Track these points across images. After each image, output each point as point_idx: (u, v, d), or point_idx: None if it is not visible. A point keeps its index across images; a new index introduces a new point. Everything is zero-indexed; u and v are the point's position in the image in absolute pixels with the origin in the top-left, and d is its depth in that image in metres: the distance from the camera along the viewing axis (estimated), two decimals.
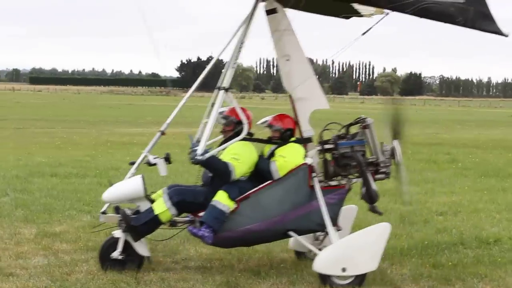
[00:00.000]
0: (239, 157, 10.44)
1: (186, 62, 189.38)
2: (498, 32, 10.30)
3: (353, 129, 10.89)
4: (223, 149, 10.55)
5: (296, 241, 11.11)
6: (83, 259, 11.23)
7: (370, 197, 10.56)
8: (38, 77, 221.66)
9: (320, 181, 10.52)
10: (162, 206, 10.40)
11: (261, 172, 10.58)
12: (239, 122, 10.63)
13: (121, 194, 10.66)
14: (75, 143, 30.59)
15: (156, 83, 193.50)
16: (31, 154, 25.69)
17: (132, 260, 10.52)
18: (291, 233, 10.49)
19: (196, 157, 10.17)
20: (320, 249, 10.54)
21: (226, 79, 10.72)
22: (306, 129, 10.70)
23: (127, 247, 10.52)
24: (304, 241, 10.75)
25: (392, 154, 10.78)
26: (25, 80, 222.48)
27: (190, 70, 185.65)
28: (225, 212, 10.24)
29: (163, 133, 11.12)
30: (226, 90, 10.59)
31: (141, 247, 10.60)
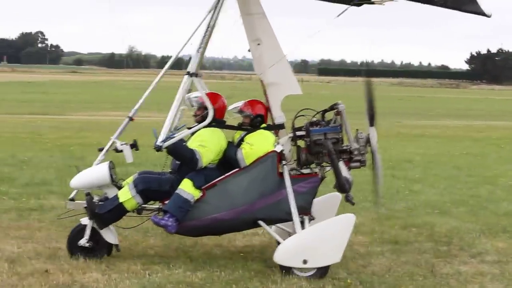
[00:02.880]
0: (206, 144, 10.20)
1: (476, 55, 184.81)
2: (480, 12, 9.89)
3: (330, 116, 10.55)
4: (191, 135, 10.38)
5: None
6: (378, 251, 11.28)
7: (340, 186, 10.18)
8: (327, 68, 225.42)
9: (292, 169, 10.32)
10: (127, 194, 10.23)
11: (228, 159, 10.36)
12: (207, 108, 10.42)
13: (88, 180, 10.47)
14: None
15: (446, 75, 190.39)
16: None
17: (100, 247, 10.36)
18: (260, 222, 10.19)
19: (156, 144, 9.98)
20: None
21: (192, 64, 10.52)
22: (278, 115, 10.39)
23: (95, 234, 10.36)
24: (270, 231, 10.38)
25: (368, 141, 10.36)
26: (314, 71, 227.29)
27: (479, 62, 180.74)
28: (189, 201, 10.03)
29: (131, 119, 10.81)
30: (192, 75, 10.42)
31: (109, 235, 10.41)
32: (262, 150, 10.21)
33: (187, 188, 10.03)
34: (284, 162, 10.17)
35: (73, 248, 10.34)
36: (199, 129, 10.30)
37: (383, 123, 38.58)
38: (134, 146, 10.44)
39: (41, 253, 10.59)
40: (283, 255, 9.80)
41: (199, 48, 10.55)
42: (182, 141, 10.29)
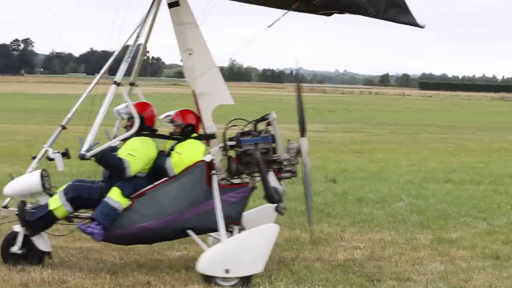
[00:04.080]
0: (135, 153, 10.19)
1: None
2: (413, 23, 9.83)
3: (263, 126, 10.55)
4: (116, 144, 10.50)
5: None
6: (479, 266, 11.18)
7: (268, 196, 10.12)
8: (428, 83, 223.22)
9: (223, 179, 10.27)
10: (57, 202, 10.23)
11: (158, 169, 10.37)
12: (140, 117, 10.39)
13: (20, 188, 10.51)
14: (468, 150, 30.51)
15: None
16: (424, 159, 26.01)
17: (32, 255, 10.39)
18: (189, 231, 10.20)
19: (80, 153, 9.95)
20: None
21: (119, 73, 10.51)
22: (209, 125, 10.39)
23: (28, 241, 10.37)
24: (199, 240, 10.31)
25: (299, 152, 10.30)
26: (415, 85, 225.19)
27: None
28: (117, 209, 10.03)
29: (64, 127, 10.85)
30: (118, 84, 10.39)
31: (41, 242, 10.42)
32: (191, 160, 10.25)
33: (115, 196, 10.07)
34: (213, 172, 10.18)
35: (6, 255, 10.44)
36: (126, 138, 10.40)
37: (485, 137, 38.12)
38: (65, 154, 10.47)
39: (143, 264, 10.79)
40: (205, 264, 9.79)
41: (127, 57, 10.61)
42: (113, 150, 10.43)
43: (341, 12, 10.65)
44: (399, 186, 19.02)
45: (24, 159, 22.19)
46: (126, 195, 10.09)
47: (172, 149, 10.52)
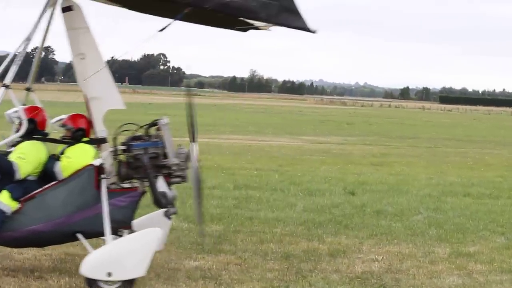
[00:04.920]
0: (25, 156, 10.21)
1: None
2: (305, 28, 9.74)
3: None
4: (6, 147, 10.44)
5: None
6: (497, 280, 11.24)
7: (156, 201, 10.17)
8: (448, 97, 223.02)
9: (113, 183, 10.25)
10: None
11: (48, 172, 10.38)
12: (29, 120, 10.39)
13: None
14: (487, 164, 30.48)
15: None
16: (443, 173, 25.93)
17: None
18: (79, 235, 10.17)
19: None
20: None
21: (9, 76, 10.28)
22: (100, 129, 10.30)
23: None
24: (87, 245, 10.24)
25: (188, 157, 10.40)
26: (435, 99, 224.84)
27: None
28: (5, 212, 9.98)
29: None
30: (7, 87, 10.19)
31: None
32: (80, 163, 10.26)
33: (3, 199, 10.04)
34: (103, 176, 10.16)
35: None
36: (17, 142, 10.38)
37: (504, 152, 37.95)
38: None
39: (160, 274, 10.79)
40: (88, 267, 9.76)
41: (18, 60, 10.39)
42: (7, 154, 10.39)
43: (257, 28, 10.81)
44: (417, 199, 18.97)
45: None
46: (15, 198, 10.07)
47: (62, 152, 10.58)
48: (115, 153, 10.33)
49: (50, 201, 10.11)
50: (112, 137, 10.32)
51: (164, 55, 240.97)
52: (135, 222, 10.78)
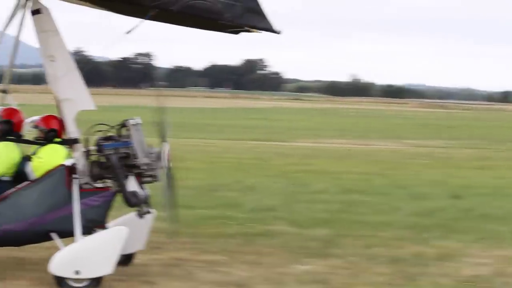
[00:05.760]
0: None
1: None
2: (269, 29, 9.91)
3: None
4: None
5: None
6: None
7: (125, 200, 10.26)
8: None
9: (86, 183, 10.31)
10: None
11: (21, 173, 10.50)
12: (4, 122, 10.67)
13: None
14: None
15: None
16: None
17: None
18: (52, 235, 10.22)
19: None
20: None
21: None
22: (72, 130, 10.39)
23: None
24: (61, 244, 10.21)
25: (159, 157, 10.43)
26: None
27: None
28: None
29: None
30: None
31: None
32: (51, 164, 10.37)
33: None
34: (75, 176, 10.24)
35: None
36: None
37: None
38: None
39: (269, 278, 10.90)
40: (56, 266, 9.87)
41: None
42: None
43: (249, 30, 10.80)
44: None
45: None
46: None
47: (35, 153, 10.73)
48: (87, 153, 10.47)
49: (23, 201, 10.30)
50: (84, 137, 10.48)
51: (264, 59, 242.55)
52: (118, 221, 11.15)
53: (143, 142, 10.52)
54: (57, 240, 10.30)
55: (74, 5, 11.38)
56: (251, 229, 14.35)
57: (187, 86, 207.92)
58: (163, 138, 10.69)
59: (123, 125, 10.57)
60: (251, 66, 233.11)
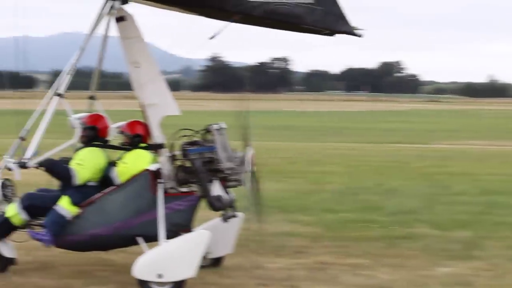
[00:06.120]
0: (83, 162, 10.56)
1: None
2: (351, 32, 9.89)
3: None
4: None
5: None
6: None
7: (209, 204, 10.30)
8: None
9: (171, 188, 10.37)
10: (12, 210, 10.61)
11: (107, 178, 10.68)
12: (90, 128, 10.83)
13: None
14: None
15: None
16: None
17: None
18: (138, 239, 10.36)
19: (20, 161, 10.30)
20: None
21: (62, 85, 10.67)
22: (157, 135, 10.48)
23: None
24: (145, 248, 10.33)
25: (243, 161, 10.50)
26: None
27: None
28: (65, 217, 10.36)
29: (23, 139, 10.77)
30: (61, 96, 10.60)
31: (4, 249, 10.81)
32: (136, 169, 10.48)
33: (64, 204, 10.39)
34: (160, 180, 10.29)
35: None
36: (66, 147, 10.69)
37: None
38: (22, 165, 10.51)
39: (412, 281, 10.93)
40: (139, 269, 9.95)
41: (70, 70, 10.72)
42: (67, 160, 10.74)
43: (331, 34, 10.77)
44: None
45: (289, 175, 23.20)
46: (74, 203, 10.45)
47: (120, 158, 10.89)
48: (172, 158, 10.56)
49: (108, 205, 10.51)
50: (170, 142, 10.57)
51: (400, 62, 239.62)
52: (206, 225, 11.25)
53: (227, 147, 10.64)
54: (142, 245, 10.51)
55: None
56: (393, 232, 14.36)
57: (324, 90, 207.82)
58: (246, 143, 10.77)
59: (208, 130, 10.69)
60: (388, 68, 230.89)
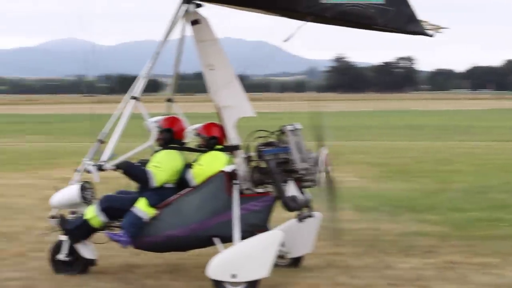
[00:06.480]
0: (160, 164, 10.73)
1: None
2: (422, 33, 9.86)
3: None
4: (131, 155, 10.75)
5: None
6: None
7: (284, 205, 10.33)
8: None
9: (247, 189, 10.42)
10: (91, 212, 10.83)
11: (183, 179, 10.82)
12: (166, 130, 11.00)
13: (62, 199, 11.10)
14: None
15: None
16: None
17: (78, 262, 11.06)
18: (215, 240, 10.45)
19: (98, 163, 10.59)
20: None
21: (136, 88, 10.91)
22: (232, 137, 10.54)
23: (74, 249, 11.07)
24: (221, 248, 10.42)
25: (317, 162, 10.50)
26: None
27: None
28: (142, 218, 10.57)
29: (102, 142, 11.02)
30: (136, 99, 10.85)
31: (85, 250, 11.09)
32: (212, 170, 10.60)
33: (141, 206, 10.59)
34: (235, 181, 10.38)
35: (53, 263, 11.14)
36: (142, 150, 10.80)
37: None
38: (100, 168, 10.73)
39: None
40: (214, 270, 10.05)
41: (145, 73, 10.96)
42: (145, 163, 10.96)
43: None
44: None
45: (416, 175, 23.11)
46: (151, 204, 10.63)
47: (196, 160, 10.98)
48: (248, 159, 10.62)
49: (185, 207, 10.64)
50: (245, 144, 10.63)
51: None
52: (283, 226, 11.38)
53: (302, 147, 10.65)
54: (219, 245, 10.60)
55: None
56: None
57: (449, 88, 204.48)
58: (320, 143, 10.77)
59: (283, 131, 10.72)
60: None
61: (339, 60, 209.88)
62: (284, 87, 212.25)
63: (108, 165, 10.68)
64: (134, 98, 10.97)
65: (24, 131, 50.24)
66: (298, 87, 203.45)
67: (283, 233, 10.47)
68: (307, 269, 11.57)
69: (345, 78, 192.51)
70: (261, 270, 10.08)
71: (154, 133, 11.00)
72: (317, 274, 11.22)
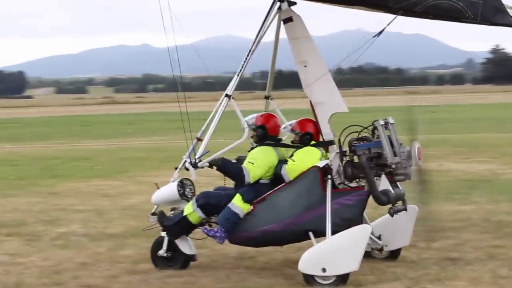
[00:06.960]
0: (255, 161, 10.91)
1: None
2: (510, 24, 9.66)
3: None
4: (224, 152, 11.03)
5: None
6: None
7: (375, 199, 10.42)
8: None
9: (340, 183, 10.58)
10: (189, 208, 11.08)
11: (277, 175, 10.95)
12: (260, 127, 11.16)
13: (162, 197, 11.52)
14: None
15: None
16: None
17: (177, 257, 11.35)
18: (310, 234, 10.59)
19: (192, 161, 10.95)
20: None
21: (230, 86, 11.15)
22: (326, 132, 10.68)
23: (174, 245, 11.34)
24: (314, 242, 10.56)
25: (410, 155, 10.50)
26: None
27: None
28: (237, 214, 10.78)
29: (199, 139, 11.31)
30: (229, 97, 11.12)
31: (184, 246, 11.33)
32: (305, 166, 10.75)
33: (236, 202, 10.82)
34: (329, 176, 10.46)
35: (154, 258, 11.55)
36: (235, 146, 11.05)
37: None
38: (196, 165, 11.03)
39: None
40: (304, 264, 10.26)
41: (238, 71, 11.18)
42: (241, 160, 11.20)
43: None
44: None
45: None
46: (246, 200, 10.83)
47: (291, 156, 11.07)
48: (342, 154, 10.73)
49: (279, 202, 10.82)
50: (338, 139, 10.76)
51: None
52: (380, 219, 11.69)
53: (394, 142, 10.68)
54: (312, 240, 10.77)
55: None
56: None
57: None
58: (413, 137, 10.77)
59: (375, 125, 10.81)
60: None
61: (495, 51, 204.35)
62: (442, 80, 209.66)
63: (202, 162, 11.02)
64: (227, 96, 11.29)
65: (181, 128, 50.87)
66: (456, 79, 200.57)
67: (372, 227, 10.74)
68: (467, 262, 11.43)
69: (502, 69, 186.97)
70: (351, 263, 10.26)
71: (248, 130, 11.27)
72: (478, 267, 11.07)
